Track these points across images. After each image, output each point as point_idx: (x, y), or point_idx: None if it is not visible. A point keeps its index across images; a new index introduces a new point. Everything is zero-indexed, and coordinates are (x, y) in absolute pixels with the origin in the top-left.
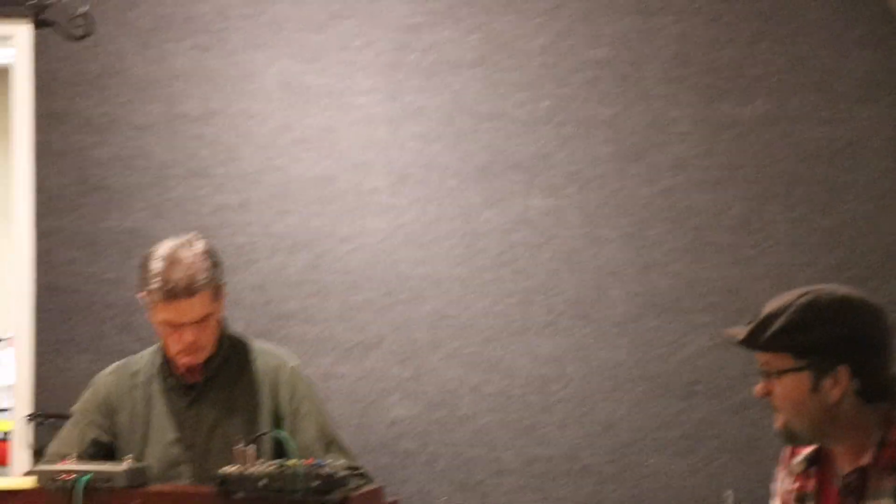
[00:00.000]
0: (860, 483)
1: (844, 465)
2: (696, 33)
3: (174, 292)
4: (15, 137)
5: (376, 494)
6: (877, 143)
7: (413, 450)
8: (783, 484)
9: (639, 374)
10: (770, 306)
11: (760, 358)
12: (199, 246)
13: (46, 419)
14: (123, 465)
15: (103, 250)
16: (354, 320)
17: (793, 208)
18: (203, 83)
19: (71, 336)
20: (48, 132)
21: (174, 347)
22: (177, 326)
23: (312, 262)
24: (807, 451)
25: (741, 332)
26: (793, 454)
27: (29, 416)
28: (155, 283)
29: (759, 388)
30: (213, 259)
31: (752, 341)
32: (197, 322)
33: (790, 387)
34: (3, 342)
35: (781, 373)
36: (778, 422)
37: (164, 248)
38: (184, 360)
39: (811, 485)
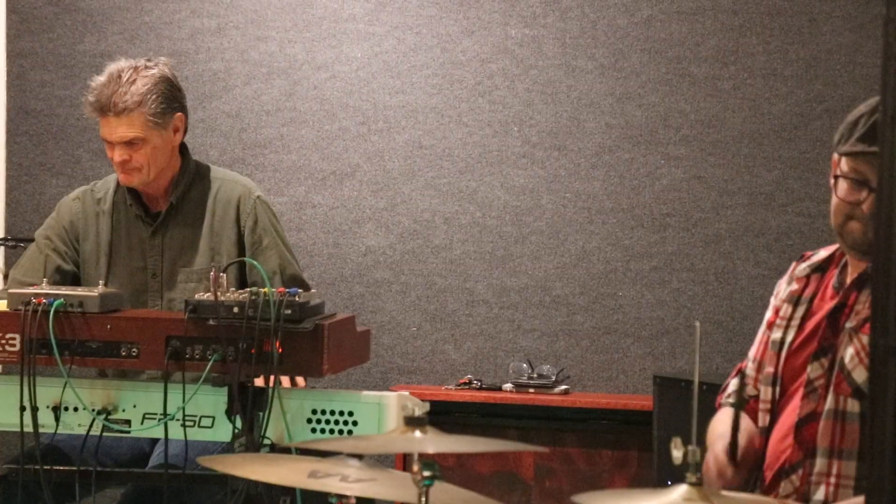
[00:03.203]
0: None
1: (857, 270)
2: None
3: (101, 107)
4: None
5: (348, 323)
6: None
7: (386, 279)
8: (782, 291)
9: (612, 206)
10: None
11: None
12: (155, 71)
13: (17, 243)
14: (96, 290)
15: (78, 73)
16: (329, 149)
17: (770, 40)
18: None
19: (44, 160)
20: None
21: (114, 163)
22: (109, 143)
23: (288, 89)
24: (816, 258)
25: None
26: (801, 260)
27: None
28: (90, 95)
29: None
30: (164, 86)
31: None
32: (126, 143)
33: None
34: None
35: None
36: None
37: (116, 64)
38: (119, 177)
39: (809, 290)
